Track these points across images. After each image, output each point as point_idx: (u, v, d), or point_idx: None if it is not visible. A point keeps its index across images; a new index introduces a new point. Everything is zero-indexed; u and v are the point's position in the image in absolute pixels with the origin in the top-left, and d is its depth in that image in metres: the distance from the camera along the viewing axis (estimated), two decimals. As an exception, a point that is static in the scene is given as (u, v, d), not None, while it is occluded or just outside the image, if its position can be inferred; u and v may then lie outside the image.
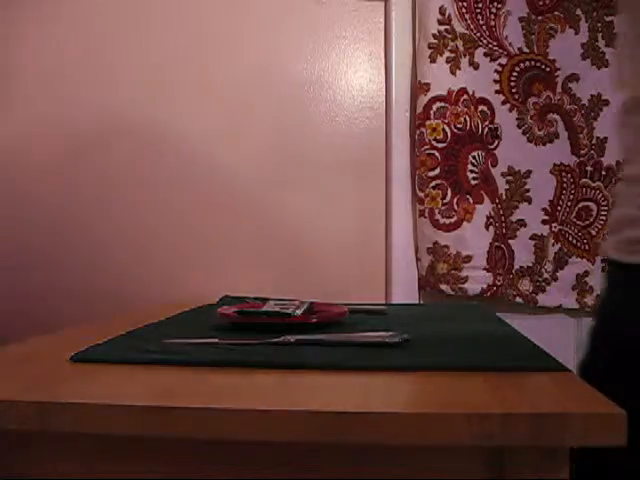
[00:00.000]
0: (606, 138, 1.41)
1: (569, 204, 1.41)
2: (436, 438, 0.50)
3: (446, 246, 1.37)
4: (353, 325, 0.93)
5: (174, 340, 0.79)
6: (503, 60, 1.39)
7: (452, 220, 1.37)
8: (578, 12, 1.40)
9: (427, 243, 1.38)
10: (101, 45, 1.43)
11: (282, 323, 0.89)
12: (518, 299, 1.41)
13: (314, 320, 0.90)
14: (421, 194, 1.37)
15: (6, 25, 1.43)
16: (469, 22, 1.38)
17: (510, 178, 1.40)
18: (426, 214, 1.37)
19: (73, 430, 0.54)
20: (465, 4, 1.37)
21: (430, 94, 1.36)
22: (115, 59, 1.43)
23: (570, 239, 1.42)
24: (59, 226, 1.43)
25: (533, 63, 1.39)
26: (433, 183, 1.37)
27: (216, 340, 0.78)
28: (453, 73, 1.37)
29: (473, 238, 1.38)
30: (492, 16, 1.38)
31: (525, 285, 1.41)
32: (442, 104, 1.36)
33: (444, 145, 1.36)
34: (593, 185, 1.42)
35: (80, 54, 1.43)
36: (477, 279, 1.38)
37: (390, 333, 0.77)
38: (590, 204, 1.42)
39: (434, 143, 1.36)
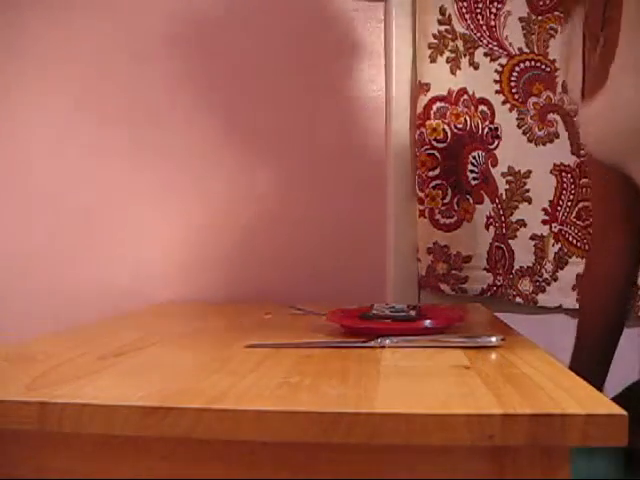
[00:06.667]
0: (606, 138, 1.40)
1: (569, 204, 1.41)
2: (436, 438, 0.50)
3: (446, 246, 1.37)
4: None
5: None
6: (503, 60, 1.39)
7: (452, 220, 1.37)
8: (578, 12, 1.40)
9: (427, 243, 1.38)
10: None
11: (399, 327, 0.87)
12: (518, 299, 1.41)
13: (434, 325, 0.87)
14: (421, 194, 1.37)
15: None
16: (469, 22, 1.38)
17: (510, 178, 1.39)
18: (426, 214, 1.37)
19: (73, 430, 0.54)
20: (465, 4, 1.37)
21: (430, 94, 1.36)
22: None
23: (570, 239, 1.42)
24: (60, 225, 1.43)
25: (533, 63, 1.39)
26: (433, 183, 1.37)
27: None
28: (453, 73, 1.37)
29: (473, 238, 1.38)
30: (492, 16, 1.38)
31: (525, 285, 1.41)
32: (442, 104, 1.36)
33: (444, 145, 1.36)
34: (593, 185, 1.42)
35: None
36: (477, 279, 1.38)
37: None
38: (590, 204, 1.41)
39: (434, 143, 1.36)
